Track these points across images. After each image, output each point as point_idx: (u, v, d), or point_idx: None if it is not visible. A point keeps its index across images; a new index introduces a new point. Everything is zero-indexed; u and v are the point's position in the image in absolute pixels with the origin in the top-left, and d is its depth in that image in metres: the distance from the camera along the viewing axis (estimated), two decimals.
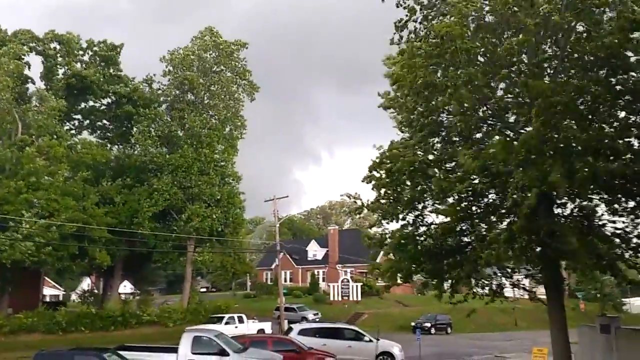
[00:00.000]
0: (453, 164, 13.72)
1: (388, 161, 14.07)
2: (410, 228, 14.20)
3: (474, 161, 11.58)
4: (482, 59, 12.82)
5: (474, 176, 12.46)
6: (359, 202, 15.39)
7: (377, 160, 14.42)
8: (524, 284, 15.64)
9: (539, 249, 12.61)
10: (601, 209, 12.86)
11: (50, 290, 67.10)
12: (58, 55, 41.13)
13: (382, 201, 14.59)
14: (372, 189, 14.58)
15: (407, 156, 13.40)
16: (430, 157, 13.76)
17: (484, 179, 12.41)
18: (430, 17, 13.61)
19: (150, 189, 39.49)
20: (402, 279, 14.56)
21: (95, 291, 52.82)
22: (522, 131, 13.28)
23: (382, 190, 14.49)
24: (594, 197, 12.68)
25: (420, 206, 14.12)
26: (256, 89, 44.42)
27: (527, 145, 11.00)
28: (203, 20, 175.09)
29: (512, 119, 13.64)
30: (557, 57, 12.57)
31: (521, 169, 11.09)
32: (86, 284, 74.80)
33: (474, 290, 14.99)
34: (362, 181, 14.71)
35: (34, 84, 40.75)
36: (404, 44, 14.09)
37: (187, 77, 41.45)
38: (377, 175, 14.49)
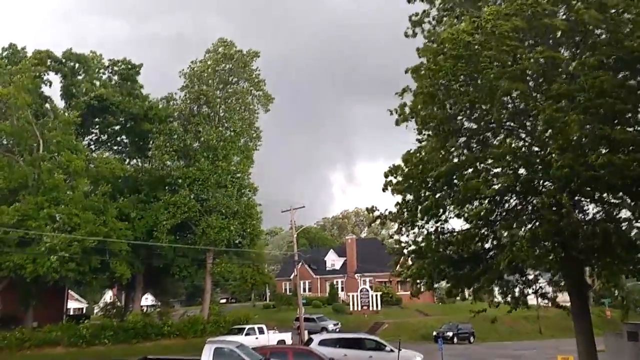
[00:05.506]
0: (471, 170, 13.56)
1: (407, 166, 13.93)
2: (432, 237, 14.00)
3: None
4: (496, 64, 12.66)
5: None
6: (376, 213, 15.26)
7: (396, 165, 14.28)
8: (546, 291, 15.34)
9: (561, 255, 12.37)
10: (625, 213, 12.58)
11: (74, 304, 68.08)
12: (77, 74, 41.88)
13: (402, 209, 14.42)
14: (392, 193, 14.43)
15: (430, 160, 13.25)
16: (455, 160, 13.61)
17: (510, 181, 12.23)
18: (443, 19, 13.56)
19: (167, 202, 39.77)
20: (426, 286, 14.39)
21: (118, 304, 53.31)
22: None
23: (400, 197, 14.33)
24: (617, 200, 12.43)
25: (440, 214, 13.94)
26: (271, 100, 44.59)
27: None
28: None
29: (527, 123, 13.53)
30: (575, 60, 12.42)
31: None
32: (108, 296, 75.81)
33: (496, 298, 14.75)
34: (385, 182, 14.44)
35: (52, 102, 41.37)
36: (424, 36, 13.97)
37: (202, 92, 41.89)
38: (394, 180, 14.34)
